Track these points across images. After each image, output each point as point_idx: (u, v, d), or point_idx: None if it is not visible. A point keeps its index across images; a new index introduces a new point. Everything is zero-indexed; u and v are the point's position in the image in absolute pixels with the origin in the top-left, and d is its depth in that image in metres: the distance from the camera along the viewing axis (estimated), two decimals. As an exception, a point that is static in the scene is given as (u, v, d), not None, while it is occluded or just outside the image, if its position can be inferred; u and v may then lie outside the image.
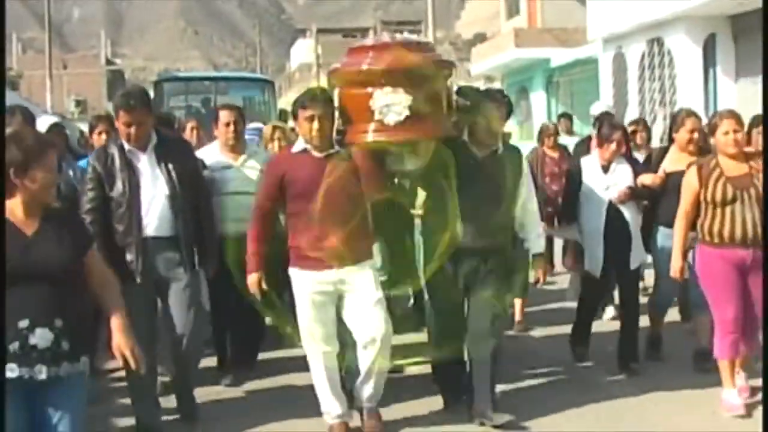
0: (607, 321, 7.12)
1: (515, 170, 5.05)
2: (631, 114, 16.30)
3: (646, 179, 5.87)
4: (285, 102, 24.08)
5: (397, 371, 5.28)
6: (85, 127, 10.10)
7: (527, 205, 5.15)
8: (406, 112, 4.45)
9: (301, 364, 4.99)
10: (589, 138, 8.04)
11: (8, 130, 3.26)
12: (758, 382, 5.18)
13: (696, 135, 5.88)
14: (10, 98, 12.96)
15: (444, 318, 5.03)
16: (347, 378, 4.89)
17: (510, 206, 5.02)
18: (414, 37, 5.34)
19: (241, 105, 9.43)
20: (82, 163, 5.74)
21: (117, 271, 3.57)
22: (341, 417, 4.77)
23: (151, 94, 8.11)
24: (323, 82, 5.69)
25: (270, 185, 4.79)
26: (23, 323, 3.06)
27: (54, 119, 6.43)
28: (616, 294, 6.53)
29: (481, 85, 22.74)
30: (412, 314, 5.38)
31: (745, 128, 5.42)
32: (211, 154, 5.81)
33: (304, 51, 39.07)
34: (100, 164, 4.78)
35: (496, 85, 25.01)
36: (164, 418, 4.97)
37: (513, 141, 7.70)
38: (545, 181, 8.17)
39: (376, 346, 4.62)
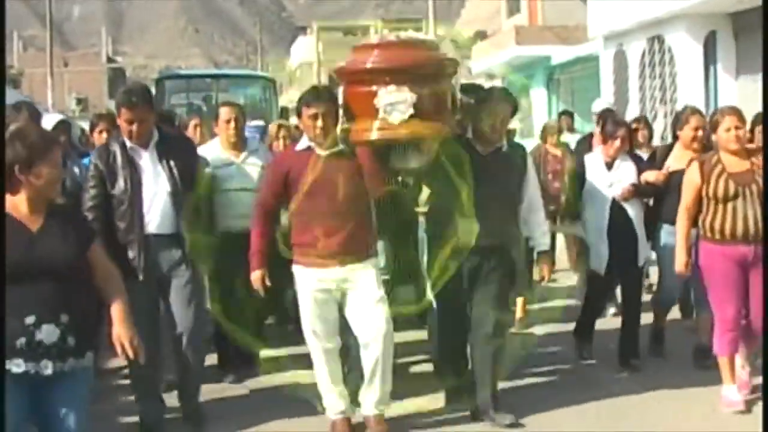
0: (609, 318, 7.11)
1: (520, 168, 5.06)
2: (632, 111, 16.26)
3: (650, 176, 5.88)
4: (286, 99, 24.06)
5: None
6: (86, 125, 10.10)
7: (532, 202, 5.15)
8: (411, 111, 4.46)
9: (303, 362, 4.98)
10: (591, 135, 8.04)
11: (13, 127, 3.26)
12: (758, 379, 5.19)
13: (700, 132, 5.88)
14: (12, 96, 12.94)
15: (447, 315, 5.03)
16: (350, 377, 4.90)
17: (514, 204, 5.03)
18: (419, 35, 5.33)
19: (242, 102, 9.42)
20: (84, 161, 5.75)
21: (119, 268, 3.57)
22: (343, 413, 4.78)
23: (153, 91, 8.11)
24: (324, 80, 5.67)
25: (273, 183, 4.79)
26: (30, 319, 3.08)
27: (60, 117, 6.44)
28: (617, 291, 6.54)
29: (484, 82, 22.72)
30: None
31: (748, 126, 5.42)
32: (212, 151, 5.82)
33: (304, 49, 38.92)
34: (102, 162, 4.78)
35: (497, 82, 24.96)
36: (168, 416, 4.98)
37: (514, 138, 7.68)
38: (548, 179, 8.18)
39: (377, 344, 4.62)
